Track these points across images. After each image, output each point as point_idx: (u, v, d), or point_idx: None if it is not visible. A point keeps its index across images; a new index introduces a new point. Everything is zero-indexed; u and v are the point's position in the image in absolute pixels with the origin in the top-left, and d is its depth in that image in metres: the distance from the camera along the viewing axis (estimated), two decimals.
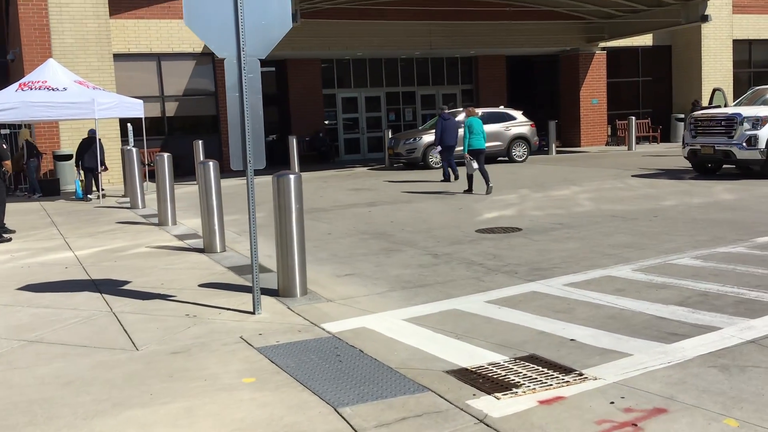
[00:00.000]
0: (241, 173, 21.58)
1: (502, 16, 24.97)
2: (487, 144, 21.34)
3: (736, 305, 5.90)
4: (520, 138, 21.92)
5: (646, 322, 5.61)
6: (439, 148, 17.34)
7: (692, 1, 22.46)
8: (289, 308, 6.41)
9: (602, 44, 27.23)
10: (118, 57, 21.17)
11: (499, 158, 22.30)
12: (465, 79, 28.38)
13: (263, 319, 6.10)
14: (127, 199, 15.33)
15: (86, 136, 16.96)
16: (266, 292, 6.96)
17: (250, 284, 7.37)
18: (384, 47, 24.53)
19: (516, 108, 27.28)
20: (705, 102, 24.72)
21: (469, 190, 14.72)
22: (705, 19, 22.49)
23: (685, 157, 16.20)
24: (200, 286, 7.42)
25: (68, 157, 19.03)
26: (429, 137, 21.02)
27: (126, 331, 5.89)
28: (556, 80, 28.98)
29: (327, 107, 26.46)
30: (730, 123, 14.90)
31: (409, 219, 11.61)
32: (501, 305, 6.29)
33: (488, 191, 14.27)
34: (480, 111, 21.69)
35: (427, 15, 24.13)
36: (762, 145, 14.49)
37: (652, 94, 29.25)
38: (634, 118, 25.85)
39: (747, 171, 15.67)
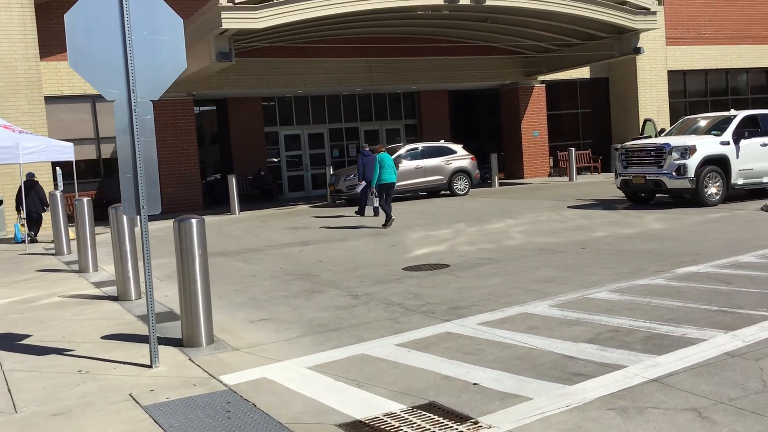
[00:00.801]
0: (185, 213, 21.16)
1: (441, 52, 25.21)
2: (429, 178, 21.49)
3: (645, 341, 5.81)
4: (461, 171, 21.99)
5: (553, 362, 5.47)
6: (363, 183, 17.63)
7: (624, 34, 22.95)
8: (190, 359, 6.12)
9: (541, 78, 27.66)
10: (50, 99, 20.72)
11: (442, 192, 22.31)
12: (408, 114, 28.51)
13: (159, 372, 5.80)
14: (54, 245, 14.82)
15: (25, 179, 16.49)
16: (171, 342, 6.67)
17: (159, 335, 7.06)
18: (324, 84, 24.51)
19: (460, 141, 27.57)
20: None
21: (387, 224, 15.17)
22: (637, 51, 22.99)
23: (618, 188, 16.36)
24: (103, 338, 7.07)
25: None
26: None
27: (9, 391, 5.53)
28: (499, 113, 29.30)
29: (270, 145, 26.26)
30: (660, 153, 15.11)
31: (339, 258, 11.40)
32: (411, 348, 6.10)
33: (387, 225, 14.96)
34: (420, 145, 21.81)
35: (366, 52, 24.22)
36: (691, 174, 14.71)
37: (592, 125, 29.76)
38: (573, 149, 26.22)
39: (680, 199, 15.88)
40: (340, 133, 27.41)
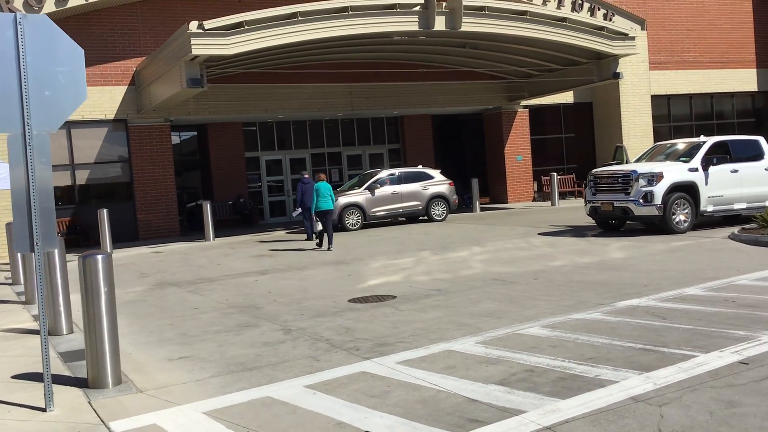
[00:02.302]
0: (156, 241, 21.03)
1: (422, 77, 25.17)
2: (406, 204, 21.37)
3: (555, 383, 5.58)
4: (438, 197, 21.81)
5: (455, 406, 5.25)
6: (299, 209, 18.32)
7: (603, 59, 22.89)
8: (89, 402, 5.91)
9: (524, 102, 27.59)
10: None
11: (420, 218, 22.14)
12: (391, 139, 28.43)
13: (51, 417, 5.58)
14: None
15: None
16: (80, 382, 6.46)
17: (70, 374, 6.87)
18: (304, 110, 24.45)
19: (444, 166, 27.51)
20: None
21: (320, 245, 16.80)
22: (617, 76, 22.91)
23: (587, 215, 16.16)
24: (14, 377, 6.86)
25: None
26: (346, 198, 20.80)
27: None
28: (483, 138, 29.19)
29: (251, 170, 26.15)
30: (627, 180, 14.93)
31: (290, 288, 11.19)
32: (319, 390, 5.88)
33: (328, 248, 16.24)
34: (397, 171, 21.70)
35: (347, 77, 24.18)
36: (658, 201, 14.51)
37: (576, 149, 29.62)
38: (555, 174, 26.07)
39: (652, 226, 15.63)
40: (323, 158, 27.31)
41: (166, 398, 5.95)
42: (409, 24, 19.08)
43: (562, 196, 27.80)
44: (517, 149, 27.88)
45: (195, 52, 16.99)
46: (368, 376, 6.17)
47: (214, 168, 25.13)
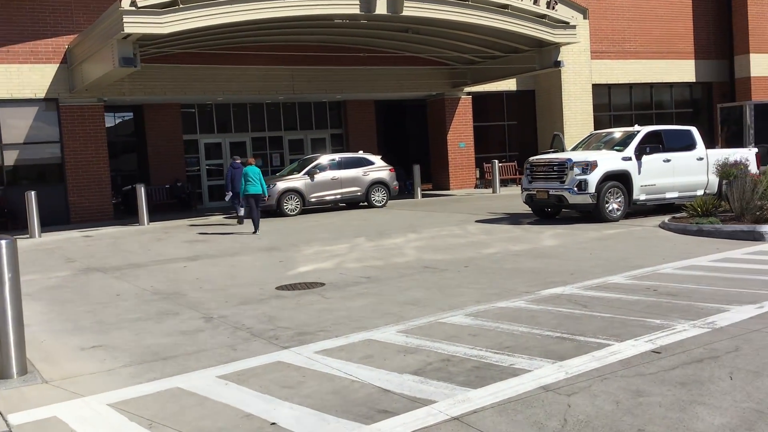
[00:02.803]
0: (88, 225, 20.44)
1: (365, 61, 24.94)
2: (346, 189, 21.22)
3: (470, 372, 5.55)
4: (379, 183, 21.72)
5: (367, 397, 5.16)
6: (230, 194, 18.48)
7: (545, 48, 23.04)
8: None
9: (467, 89, 27.63)
10: None
11: (360, 204, 22.02)
12: (334, 124, 28.18)
13: None
14: None
15: None
16: None
17: None
18: (244, 92, 24.03)
19: (388, 151, 27.41)
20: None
21: (240, 222, 17.98)
22: (558, 64, 23.09)
23: (524, 202, 16.27)
24: None
25: None
26: (285, 183, 20.54)
27: None
28: (427, 124, 29.18)
29: (190, 153, 25.62)
30: (562, 168, 15.06)
31: (218, 275, 10.96)
32: (232, 381, 5.73)
33: (254, 232, 16.38)
34: (337, 156, 21.52)
35: (289, 60, 23.80)
36: (592, 189, 14.68)
37: (519, 137, 29.86)
38: (497, 161, 26.24)
39: (587, 214, 15.74)
40: (264, 142, 26.93)
41: (72, 389, 5.73)
42: (351, 7, 18.83)
43: (504, 183, 28.00)
44: (460, 136, 27.96)
45: (127, 30, 16.45)
46: (284, 366, 6.05)
47: (151, 150, 24.54)
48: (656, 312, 7.05)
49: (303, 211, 20.93)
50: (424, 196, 25.44)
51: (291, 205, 20.41)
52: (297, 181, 20.67)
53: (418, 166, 25.48)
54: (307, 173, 20.84)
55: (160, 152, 24.56)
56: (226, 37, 21.35)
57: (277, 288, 9.62)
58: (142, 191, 19.98)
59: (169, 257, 13.26)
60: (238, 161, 18.64)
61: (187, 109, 25.36)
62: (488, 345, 6.26)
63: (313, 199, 20.86)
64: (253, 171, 16.73)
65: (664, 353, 5.72)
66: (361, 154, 22.38)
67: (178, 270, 11.69)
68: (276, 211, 20.30)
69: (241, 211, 17.05)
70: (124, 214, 23.51)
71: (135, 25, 16.49)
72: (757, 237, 11.50)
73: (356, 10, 19.04)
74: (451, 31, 22.22)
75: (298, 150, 27.16)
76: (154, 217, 21.13)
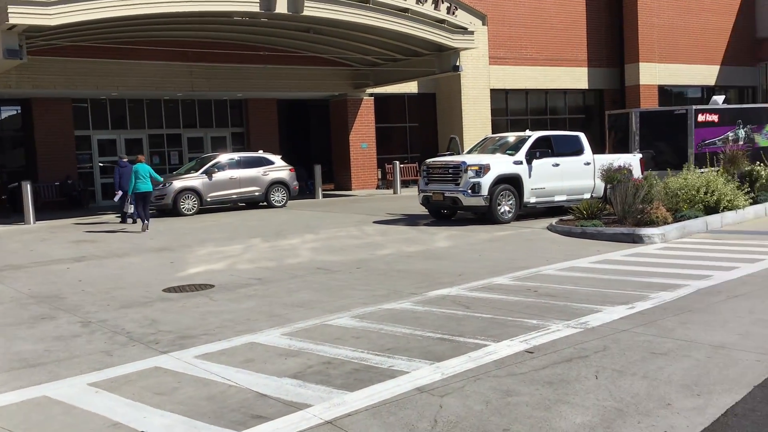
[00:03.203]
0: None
1: (267, 59, 24.65)
2: (244, 189, 20.94)
3: (349, 375, 5.56)
4: (278, 183, 21.53)
5: (242, 402, 5.09)
6: (120, 193, 18.15)
7: (444, 52, 23.44)
8: None
9: (369, 90, 27.78)
10: None
11: (260, 204, 21.75)
12: (235, 122, 27.74)
13: None
14: None
15: None
16: None
17: None
18: (140, 88, 23.30)
19: (290, 151, 27.20)
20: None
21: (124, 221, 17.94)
22: (456, 69, 23.56)
23: (421, 204, 16.50)
24: None
25: None
26: (181, 182, 20.05)
27: None
28: (329, 124, 29.15)
29: (82, 149, 24.63)
30: (457, 171, 15.35)
31: (103, 277, 10.58)
32: (103, 388, 5.53)
33: (144, 228, 16.27)
34: (236, 155, 21.21)
35: (187, 56, 23.28)
36: (485, 192, 15.03)
37: (420, 139, 30.26)
38: (398, 162, 26.51)
39: (481, 216, 16.07)
40: (162, 140, 26.20)
41: None
42: (250, 5, 18.59)
43: (405, 184, 28.29)
44: (362, 137, 28.08)
45: (12, 21, 15.67)
46: (161, 372, 5.89)
47: (39, 146, 23.45)
48: (534, 312, 7.28)
49: (200, 211, 20.50)
50: (325, 196, 25.39)
51: (188, 204, 19.94)
52: (194, 180, 20.22)
53: (320, 166, 25.42)
54: (205, 172, 20.42)
55: (49, 148, 23.49)
56: (120, 31, 20.65)
57: (164, 290, 9.37)
58: (27, 188, 19.06)
59: (53, 258, 12.69)
60: (125, 160, 18.44)
61: (79, 103, 24.36)
62: (370, 347, 6.30)
63: (210, 199, 20.46)
64: (143, 168, 16.62)
65: (536, 353, 5.91)
66: (261, 153, 22.13)
67: (59, 272, 11.20)
68: (172, 210, 19.78)
69: (131, 209, 16.96)
70: (10, 212, 22.35)
71: (20, 16, 15.74)
72: (636, 239, 12.07)
73: (256, 8, 18.82)
74: (353, 32, 22.27)
75: (198, 148, 26.58)
76: (42, 215, 20.21)
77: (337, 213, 19.40)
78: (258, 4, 18.65)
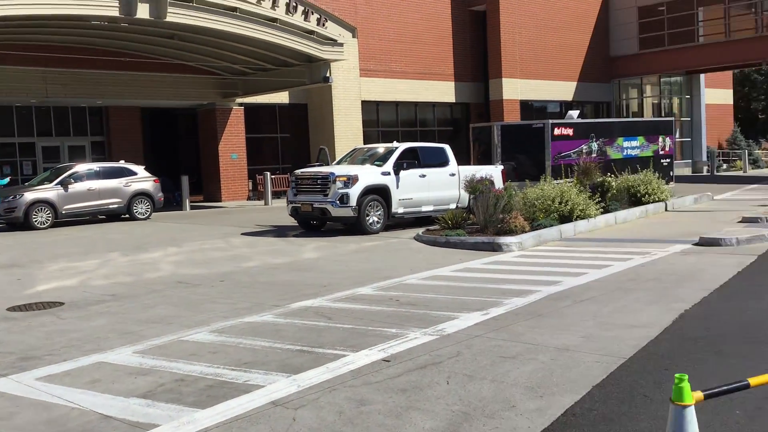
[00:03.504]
0: None
1: (130, 66, 23.78)
2: (104, 201, 20.07)
3: (202, 392, 5.40)
4: (142, 194, 20.73)
5: (84, 425, 4.82)
6: None
7: (314, 63, 23.47)
8: None
9: (239, 100, 27.37)
10: None
11: (122, 216, 20.85)
12: (95, 131, 26.52)
13: None
14: None
15: None
16: None
17: None
18: None
19: (157, 161, 26.28)
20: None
21: None
22: (326, 80, 23.67)
23: (290, 215, 16.39)
24: None
25: None
26: (34, 194, 18.90)
27: None
28: (198, 134, 28.45)
29: None
30: (325, 181, 15.37)
31: None
32: None
33: None
34: (96, 166, 20.29)
35: (41, 60, 22.02)
36: (353, 202, 15.12)
37: (292, 150, 30.09)
38: (269, 173, 26.24)
39: (351, 227, 16.11)
40: (14, 149, 24.63)
41: None
42: (109, 9, 17.89)
43: (277, 195, 28.01)
44: (232, 147, 27.59)
45: None
46: None
47: None
48: (394, 321, 7.37)
49: (56, 224, 19.37)
50: (193, 208, 24.73)
51: (41, 217, 18.81)
52: (48, 191, 19.10)
53: (187, 177, 24.73)
54: (61, 183, 19.35)
55: None
56: None
57: (8, 309, 8.77)
58: None
59: None
60: None
61: None
62: (227, 362, 6.15)
63: (66, 212, 19.39)
64: None
65: (393, 361, 5.97)
66: (122, 163, 21.25)
67: None
68: (23, 224, 18.59)
69: None
70: None
71: None
72: (496, 248, 12.52)
73: (115, 13, 18.14)
74: (220, 40, 21.89)
75: (54, 158, 25.17)
76: None
77: (204, 225, 18.93)
78: (117, 9, 17.98)
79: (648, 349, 6.17)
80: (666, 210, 18.49)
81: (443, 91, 33.36)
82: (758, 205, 18.15)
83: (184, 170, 26.94)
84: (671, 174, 24.95)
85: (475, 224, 14.47)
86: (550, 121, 21.34)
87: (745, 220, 14.87)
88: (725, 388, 3.16)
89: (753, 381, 3.22)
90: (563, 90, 36.50)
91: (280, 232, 16.61)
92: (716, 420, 4.49)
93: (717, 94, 44.27)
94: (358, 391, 5.27)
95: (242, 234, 16.36)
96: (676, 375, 3.02)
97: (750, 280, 9.21)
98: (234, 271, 11.18)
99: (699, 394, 3.04)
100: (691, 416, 2.99)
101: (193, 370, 5.97)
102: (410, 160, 16.30)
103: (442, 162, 17.16)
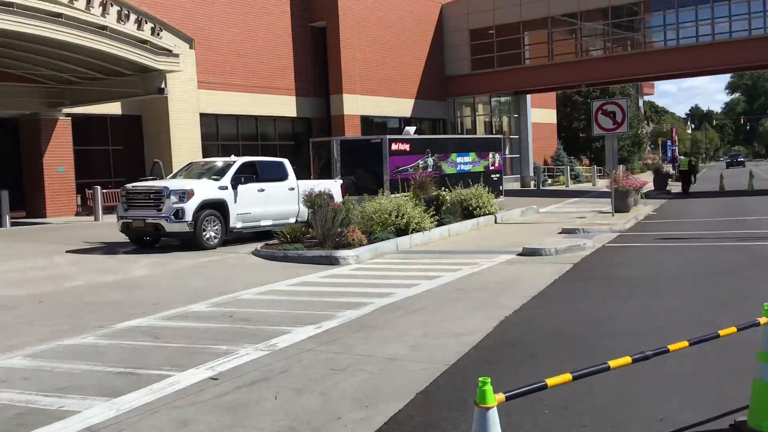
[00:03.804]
0: None
1: None
2: None
3: (11, 420, 5.03)
4: None
5: None
6: None
7: (148, 73, 22.65)
8: None
9: (66, 110, 25.83)
10: None
11: None
12: None
13: None
14: None
15: None
16: None
17: None
18: None
19: None
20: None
21: None
22: (161, 92, 22.91)
23: (120, 231, 15.67)
24: None
25: None
26: None
27: None
28: (19, 146, 26.53)
29: None
30: (159, 196, 14.86)
31: None
32: None
33: None
34: None
35: None
36: (189, 217, 14.70)
37: (125, 163, 28.77)
38: (99, 187, 24.93)
39: (186, 242, 15.60)
40: None
41: None
42: None
43: (109, 210, 26.48)
44: (59, 160, 25.96)
45: None
46: None
47: None
48: (226, 338, 7.24)
49: None
50: (14, 224, 22.97)
51: None
52: None
53: (7, 191, 22.96)
54: None
55: None
56: None
57: None
58: None
59: None
60: None
61: None
62: (41, 388, 5.77)
63: None
64: None
65: (221, 379, 5.86)
66: None
67: None
68: None
69: None
70: None
71: None
72: (334, 261, 12.64)
73: None
74: (44, 47, 20.59)
75: None
76: None
77: (25, 243, 17.65)
78: None
79: (470, 355, 6.47)
80: (496, 222, 19.50)
81: (284, 106, 33.29)
82: (577, 217, 19.59)
83: (3, 184, 25.00)
84: (501, 188, 26.37)
85: (314, 238, 14.52)
86: (388, 136, 21.88)
87: (565, 231, 16.01)
88: (525, 389, 3.37)
89: (550, 381, 3.46)
90: (402, 107, 37.59)
91: (110, 249, 15.82)
92: (527, 420, 4.78)
93: (542, 113, 47.47)
94: (183, 411, 5.12)
95: (67, 252, 15.42)
96: (480, 379, 3.19)
97: (565, 287, 9.90)
98: (56, 291, 10.52)
99: (501, 396, 3.22)
100: (494, 417, 3.16)
101: (1, 398, 5.54)
102: (249, 174, 16.11)
103: (282, 176, 17.11)
